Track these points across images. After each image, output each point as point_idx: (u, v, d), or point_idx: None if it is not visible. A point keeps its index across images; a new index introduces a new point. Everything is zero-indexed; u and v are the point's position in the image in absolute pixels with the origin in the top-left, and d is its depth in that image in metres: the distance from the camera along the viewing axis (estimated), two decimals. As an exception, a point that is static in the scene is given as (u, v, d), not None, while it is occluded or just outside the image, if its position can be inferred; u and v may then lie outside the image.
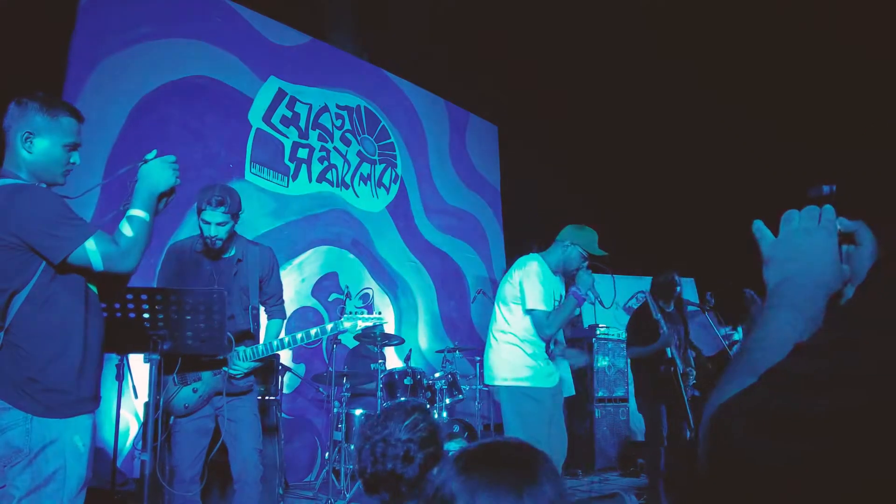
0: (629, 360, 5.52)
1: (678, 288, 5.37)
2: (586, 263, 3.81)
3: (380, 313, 3.57)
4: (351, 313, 3.60)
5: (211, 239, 3.30)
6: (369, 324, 3.58)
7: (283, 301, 3.72)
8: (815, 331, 0.82)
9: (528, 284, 3.69)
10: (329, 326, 3.51)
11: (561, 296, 3.87)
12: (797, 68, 7.00)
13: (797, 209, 0.96)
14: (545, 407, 3.71)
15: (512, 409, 3.73)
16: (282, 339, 3.46)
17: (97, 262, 2.17)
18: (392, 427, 1.79)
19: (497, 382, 3.78)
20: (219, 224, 3.28)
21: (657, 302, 5.22)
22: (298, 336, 3.45)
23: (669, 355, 5.07)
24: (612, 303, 6.61)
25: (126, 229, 2.25)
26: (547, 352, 3.80)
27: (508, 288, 3.81)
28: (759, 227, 1.00)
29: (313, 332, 3.47)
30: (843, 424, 0.64)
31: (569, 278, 3.87)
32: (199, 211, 3.33)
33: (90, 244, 2.15)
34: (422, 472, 1.75)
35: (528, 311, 3.69)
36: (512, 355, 3.72)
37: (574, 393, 5.13)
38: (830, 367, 0.67)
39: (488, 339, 3.89)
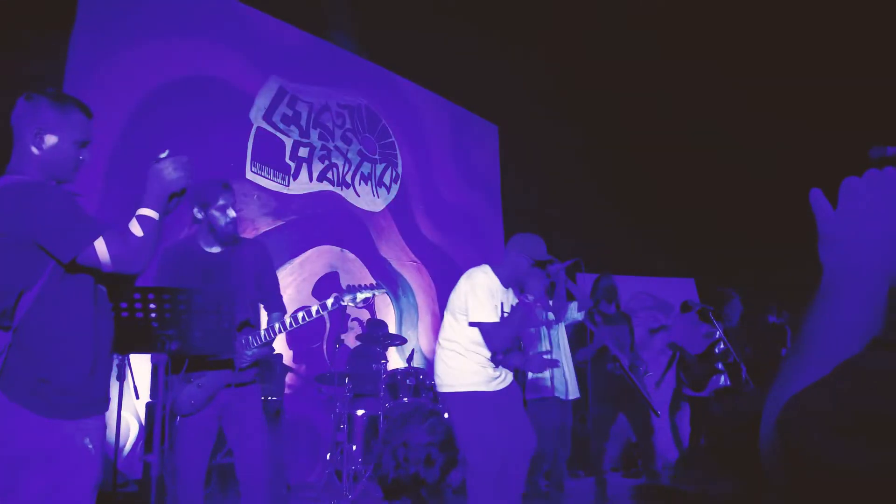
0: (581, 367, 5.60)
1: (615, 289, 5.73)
2: (535, 271, 3.78)
3: (376, 285, 3.52)
4: (348, 287, 3.51)
5: (231, 227, 3.34)
6: (368, 294, 3.48)
7: (281, 296, 3.67)
8: (885, 321, 0.78)
9: (472, 297, 3.67)
10: (329, 301, 3.41)
11: (512, 306, 3.83)
12: (796, 64, 7.00)
13: (857, 176, 0.85)
14: (488, 410, 3.66)
15: (459, 416, 3.71)
16: (283, 321, 3.40)
17: (106, 262, 2.13)
18: (411, 430, 1.74)
19: (444, 390, 3.77)
20: (232, 208, 3.34)
21: (597, 304, 5.56)
22: (300, 315, 3.38)
23: (612, 353, 5.26)
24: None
25: (136, 229, 2.21)
26: (493, 360, 3.77)
27: (455, 298, 3.79)
28: (817, 196, 0.87)
29: (314, 309, 3.39)
30: None
31: (520, 289, 3.86)
32: (208, 205, 3.32)
33: (99, 244, 2.11)
34: (442, 475, 1.71)
35: (474, 324, 3.66)
36: (456, 363, 3.70)
37: (579, 395, 5.14)
38: None
39: (437, 348, 3.88)
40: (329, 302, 3.42)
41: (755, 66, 7.37)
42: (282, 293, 3.69)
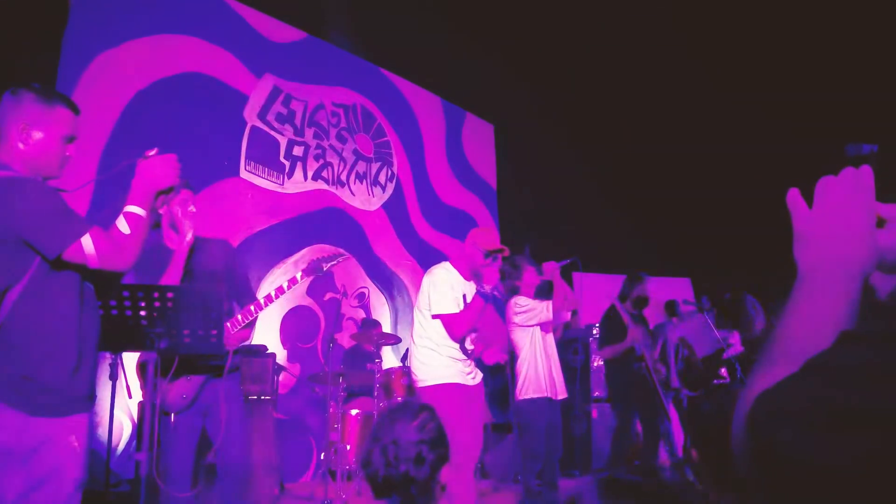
0: (604, 363, 5.83)
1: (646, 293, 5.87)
2: (489, 261, 3.92)
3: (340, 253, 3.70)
4: (314, 260, 3.61)
5: (190, 220, 3.34)
6: (333, 262, 3.62)
7: (252, 290, 3.66)
8: (855, 316, 0.77)
9: (433, 291, 3.85)
10: (298, 275, 3.55)
11: (472, 297, 3.96)
12: (792, 61, 7.00)
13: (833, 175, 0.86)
14: (461, 400, 3.80)
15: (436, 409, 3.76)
16: (258, 300, 3.40)
17: (93, 259, 2.11)
18: (400, 428, 1.74)
19: (420, 385, 3.89)
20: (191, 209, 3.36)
21: (626, 305, 5.71)
22: (273, 292, 3.40)
23: (639, 353, 5.44)
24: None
25: (122, 226, 2.20)
26: (464, 353, 3.91)
27: (420, 295, 3.97)
28: (794, 197, 0.88)
29: (285, 284, 3.47)
30: None
31: (478, 280, 3.98)
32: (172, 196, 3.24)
33: (86, 240, 2.09)
34: (432, 473, 1.70)
35: (435, 317, 3.83)
36: (428, 358, 3.85)
37: (566, 395, 5.15)
38: (888, 357, 0.62)
39: (411, 345, 4.02)
40: (298, 275, 3.54)
41: (748, 67, 7.37)
42: (268, 288, 3.73)
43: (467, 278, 3.99)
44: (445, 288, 3.85)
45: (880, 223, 0.85)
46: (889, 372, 0.61)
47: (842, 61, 6.62)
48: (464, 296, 3.92)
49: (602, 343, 5.76)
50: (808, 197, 0.88)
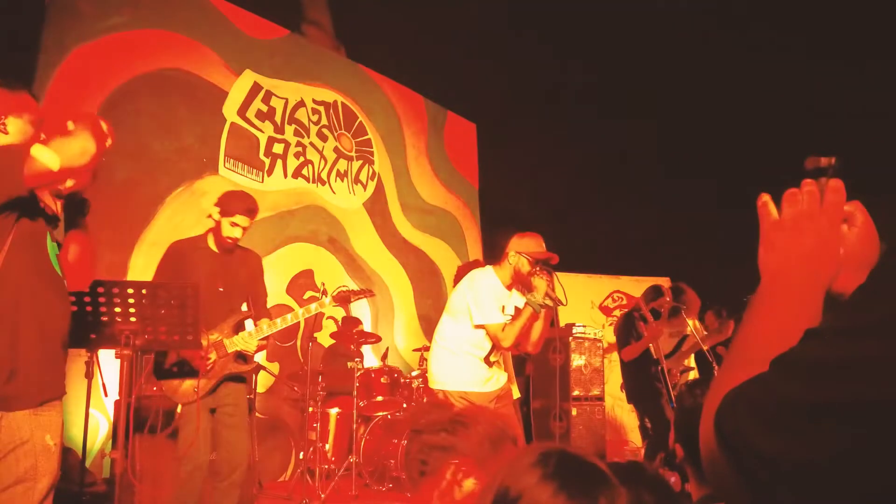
0: (622, 365, 5.84)
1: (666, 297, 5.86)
2: (538, 269, 3.80)
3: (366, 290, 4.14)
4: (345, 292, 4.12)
5: (232, 239, 3.71)
6: (360, 297, 4.21)
7: (266, 306, 4.04)
8: (820, 317, 0.78)
9: (477, 300, 3.76)
10: (327, 300, 3.94)
11: (515, 307, 3.89)
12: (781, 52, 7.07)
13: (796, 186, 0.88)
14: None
15: None
16: (284, 317, 3.79)
17: (55, 166, 2.13)
18: None
19: (436, 387, 3.88)
20: (244, 228, 3.72)
21: (646, 306, 5.74)
22: (300, 311, 3.90)
23: (655, 356, 5.45)
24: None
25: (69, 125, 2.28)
26: (486, 361, 3.86)
27: (458, 299, 3.87)
28: (765, 203, 0.90)
29: (313, 307, 3.91)
30: (872, 413, 0.59)
31: (525, 288, 3.90)
32: (228, 214, 3.67)
33: (36, 151, 2.11)
34: None
35: (480, 326, 3.76)
36: (451, 361, 3.81)
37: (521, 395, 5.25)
38: (857, 351, 0.62)
39: (432, 345, 4.00)
40: (326, 300, 3.92)
41: (734, 65, 7.43)
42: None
43: (509, 286, 3.91)
44: (490, 297, 3.76)
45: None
46: (853, 366, 0.62)
47: (826, 61, 6.69)
48: (504, 306, 3.85)
49: (621, 345, 5.79)
50: (780, 202, 0.90)
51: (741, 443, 0.66)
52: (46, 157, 2.11)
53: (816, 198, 0.86)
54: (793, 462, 0.62)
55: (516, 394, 4.90)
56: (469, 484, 1.63)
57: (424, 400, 5.72)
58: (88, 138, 2.21)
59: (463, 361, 3.79)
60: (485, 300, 3.74)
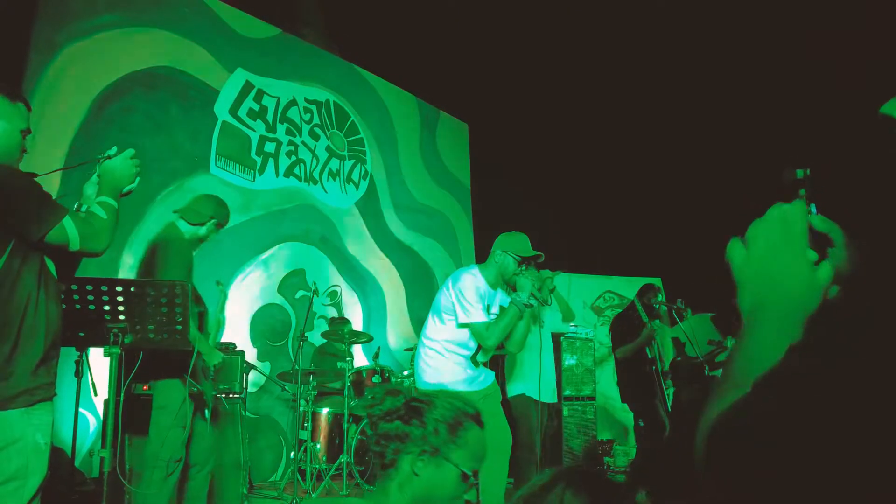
0: (616, 364, 5.90)
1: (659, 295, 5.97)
2: (524, 268, 3.80)
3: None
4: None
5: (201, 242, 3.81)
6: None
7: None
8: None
9: (462, 298, 3.71)
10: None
11: (501, 306, 3.88)
12: (761, 61, 7.10)
13: (760, 215, 0.87)
14: None
15: None
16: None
17: (74, 241, 2.22)
18: None
19: (423, 387, 3.85)
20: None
21: (643, 306, 5.77)
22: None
23: (650, 356, 5.54)
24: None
25: (99, 211, 2.34)
26: (472, 360, 3.84)
27: (443, 299, 3.83)
28: (732, 246, 0.88)
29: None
30: (855, 424, 0.60)
31: (511, 286, 3.88)
32: (218, 224, 3.77)
33: (67, 222, 2.21)
34: None
35: (465, 325, 3.72)
36: (436, 362, 3.78)
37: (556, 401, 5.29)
38: (834, 362, 0.63)
39: (418, 344, 3.96)
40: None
41: (720, 69, 7.45)
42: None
43: (494, 286, 3.88)
44: (475, 296, 3.72)
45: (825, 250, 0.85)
46: (833, 380, 0.62)
47: (809, 63, 6.72)
48: (489, 305, 3.82)
49: (617, 343, 5.83)
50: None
51: (733, 463, 0.67)
52: (73, 234, 2.20)
53: (779, 227, 0.85)
54: (784, 477, 0.63)
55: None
56: (428, 472, 1.63)
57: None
58: (113, 229, 2.32)
59: (449, 361, 3.76)
60: (470, 299, 3.70)
